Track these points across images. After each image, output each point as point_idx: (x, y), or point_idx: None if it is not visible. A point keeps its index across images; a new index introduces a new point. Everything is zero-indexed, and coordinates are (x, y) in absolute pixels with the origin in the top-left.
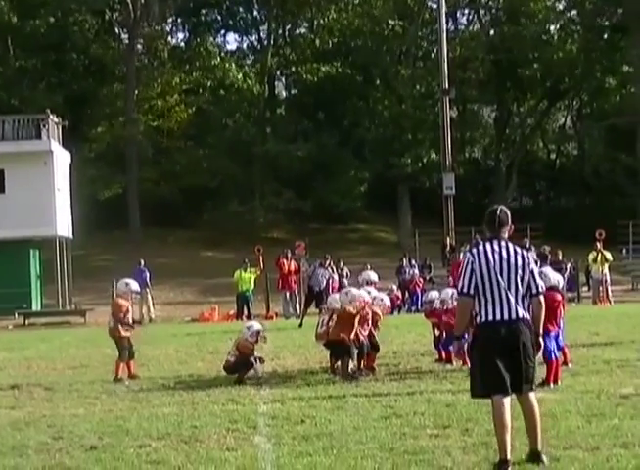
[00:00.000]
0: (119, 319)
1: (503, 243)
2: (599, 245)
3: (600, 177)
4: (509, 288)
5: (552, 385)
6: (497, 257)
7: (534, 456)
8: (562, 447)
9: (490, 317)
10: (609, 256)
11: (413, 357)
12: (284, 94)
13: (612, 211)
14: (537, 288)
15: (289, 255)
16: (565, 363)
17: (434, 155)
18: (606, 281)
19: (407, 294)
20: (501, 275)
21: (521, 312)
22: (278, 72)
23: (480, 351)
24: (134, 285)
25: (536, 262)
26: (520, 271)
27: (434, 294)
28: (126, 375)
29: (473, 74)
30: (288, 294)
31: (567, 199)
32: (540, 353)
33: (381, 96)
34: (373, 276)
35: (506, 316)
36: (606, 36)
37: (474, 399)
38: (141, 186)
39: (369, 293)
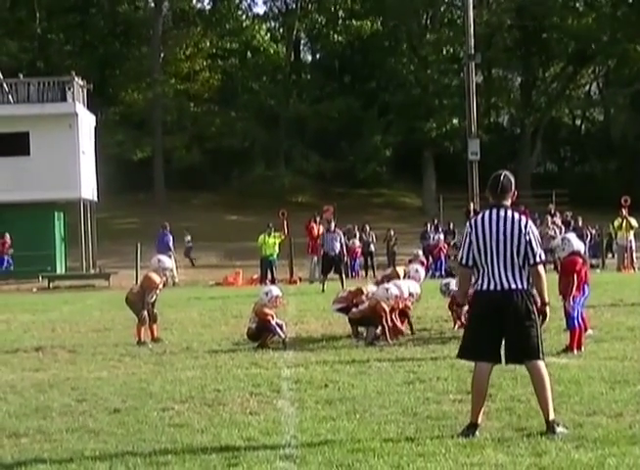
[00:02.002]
0: (145, 293)
1: (502, 212)
2: (624, 211)
3: (625, 143)
4: (504, 259)
5: (576, 351)
6: (494, 227)
7: (547, 426)
8: (585, 414)
9: (485, 287)
10: (634, 222)
11: (437, 323)
12: (309, 58)
13: (637, 177)
14: (535, 258)
15: (318, 219)
16: (585, 329)
17: (458, 120)
18: (631, 248)
19: (431, 259)
20: (497, 247)
21: (514, 284)
22: (304, 36)
23: (472, 318)
24: (167, 262)
25: (561, 229)
26: (516, 241)
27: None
28: (149, 338)
29: (499, 40)
30: (316, 258)
31: (592, 165)
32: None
33: (407, 60)
34: (421, 272)
35: (499, 287)
36: (632, 2)
37: (457, 359)
38: (166, 149)
39: (408, 288)
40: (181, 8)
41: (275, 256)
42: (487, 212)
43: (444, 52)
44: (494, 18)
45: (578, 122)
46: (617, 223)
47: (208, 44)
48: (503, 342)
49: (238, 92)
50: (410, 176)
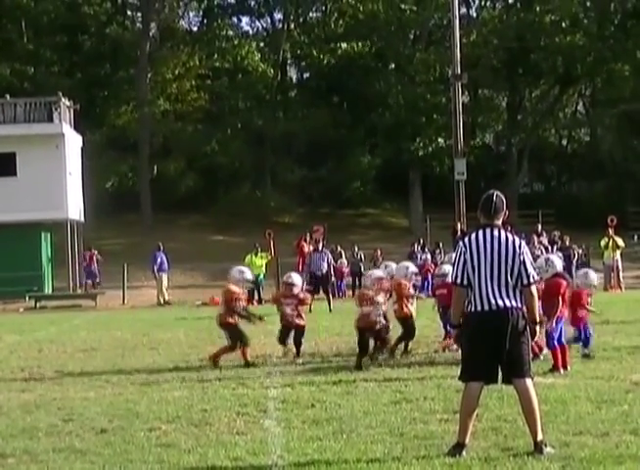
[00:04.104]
0: (231, 307)
1: (496, 232)
2: (611, 231)
3: (612, 163)
4: (499, 279)
5: (562, 371)
6: (489, 247)
7: (535, 447)
8: (571, 433)
9: (479, 308)
10: (620, 242)
11: (423, 342)
12: (297, 77)
13: (623, 197)
14: (528, 278)
15: (308, 238)
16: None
17: (445, 140)
18: (617, 267)
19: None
20: (491, 266)
21: (509, 303)
22: (290, 56)
23: (467, 339)
24: (248, 274)
25: (547, 249)
26: (510, 262)
27: (446, 267)
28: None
29: (485, 60)
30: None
31: (578, 185)
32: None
33: (394, 80)
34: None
35: (494, 307)
36: (618, 23)
37: (461, 382)
38: (153, 170)
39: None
40: (169, 28)
41: (262, 276)
42: (481, 232)
43: (431, 72)
44: (481, 38)
45: (565, 142)
46: (603, 243)
47: (197, 64)
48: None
49: (225, 112)
50: (397, 196)
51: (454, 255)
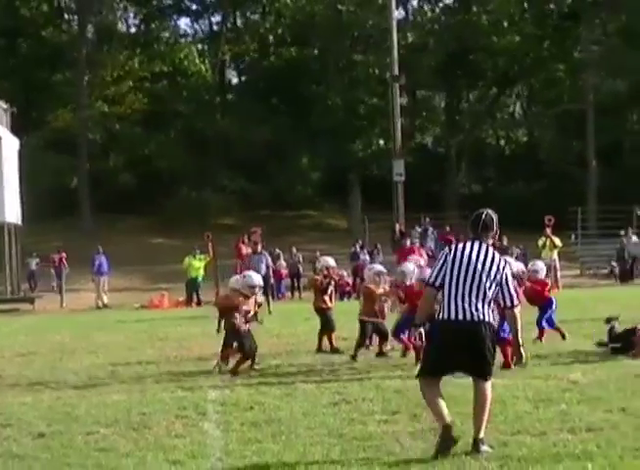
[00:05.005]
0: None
1: (483, 247)
2: (548, 231)
3: (550, 164)
4: (476, 292)
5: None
6: (473, 258)
7: (474, 443)
8: (509, 433)
9: (452, 316)
10: (558, 241)
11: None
12: (237, 80)
13: (561, 197)
14: (512, 300)
15: (246, 240)
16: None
17: (384, 142)
18: (555, 267)
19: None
20: (470, 278)
21: (484, 316)
22: (229, 58)
23: (435, 345)
24: (255, 279)
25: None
26: (492, 276)
27: (410, 266)
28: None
29: (424, 61)
30: None
31: (517, 185)
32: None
33: (333, 82)
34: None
35: (468, 317)
36: (556, 24)
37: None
38: (92, 173)
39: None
40: (107, 30)
41: (201, 278)
42: (469, 243)
43: (371, 74)
44: (419, 39)
45: (503, 143)
46: (540, 243)
47: (137, 66)
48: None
49: (165, 115)
50: (336, 198)
51: (437, 262)
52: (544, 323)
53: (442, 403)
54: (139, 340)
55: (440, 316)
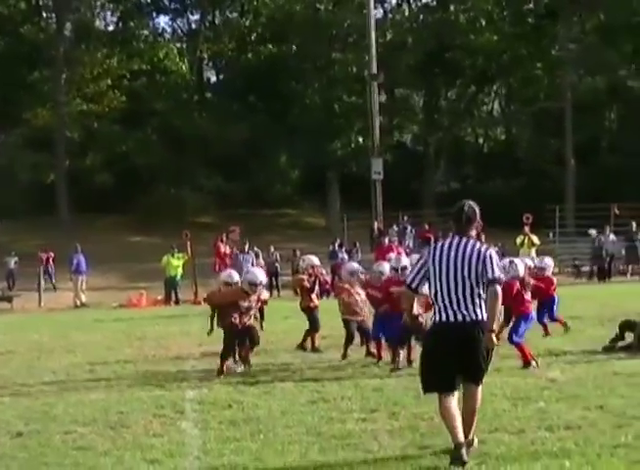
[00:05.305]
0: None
1: (463, 242)
2: (526, 228)
3: (528, 162)
4: (463, 290)
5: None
6: (455, 256)
7: (467, 445)
8: (488, 431)
9: (444, 319)
10: (536, 239)
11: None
12: (215, 79)
13: (539, 195)
14: (490, 274)
15: (224, 239)
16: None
17: (363, 140)
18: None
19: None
20: (455, 277)
21: (475, 315)
22: (207, 57)
23: (427, 349)
24: (235, 276)
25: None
26: (475, 273)
27: (387, 267)
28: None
29: (402, 60)
30: None
31: (495, 183)
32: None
33: (312, 80)
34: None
35: (460, 318)
36: (533, 22)
37: (425, 393)
38: (70, 171)
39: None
40: (85, 28)
41: (179, 276)
42: (448, 240)
43: (349, 72)
44: (397, 37)
45: (481, 141)
46: (519, 240)
47: (115, 64)
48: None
49: (144, 113)
50: (315, 196)
51: (417, 262)
52: (545, 319)
53: (457, 423)
54: (117, 339)
55: (432, 320)
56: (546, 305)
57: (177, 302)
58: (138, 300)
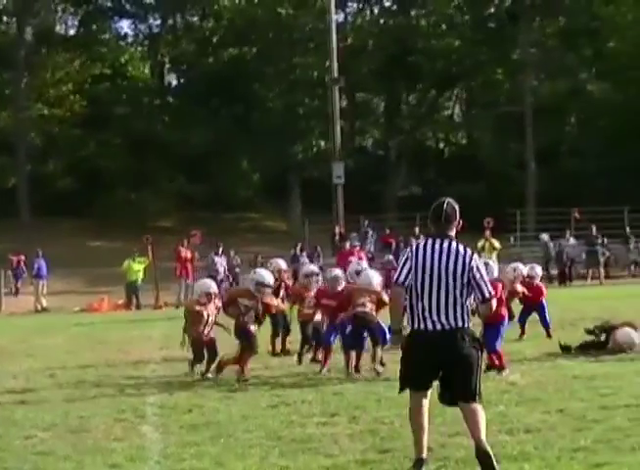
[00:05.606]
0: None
1: (446, 244)
2: (487, 233)
3: (489, 166)
4: (446, 297)
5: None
6: (437, 260)
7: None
8: (448, 434)
9: (422, 326)
10: (497, 244)
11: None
12: (176, 82)
13: (501, 199)
14: (483, 295)
15: (186, 243)
16: None
17: (325, 144)
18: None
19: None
20: (438, 282)
21: (456, 322)
22: (169, 60)
23: (406, 355)
24: (207, 286)
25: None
26: (459, 278)
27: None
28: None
29: (363, 64)
30: (187, 281)
31: (457, 187)
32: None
33: (273, 84)
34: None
35: (438, 326)
36: (494, 26)
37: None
38: (31, 175)
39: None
40: (46, 32)
41: (140, 281)
42: (430, 242)
43: (310, 76)
44: (358, 42)
45: (442, 145)
46: (480, 245)
47: (77, 68)
48: (440, 379)
49: (105, 117)
50: (277, 200)
51: (400, 261)
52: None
53: (423, 435)
54: (78, 343)
55: (410, 328)
56: (532, 311)
57: (138, 306)
58: (99, 304)
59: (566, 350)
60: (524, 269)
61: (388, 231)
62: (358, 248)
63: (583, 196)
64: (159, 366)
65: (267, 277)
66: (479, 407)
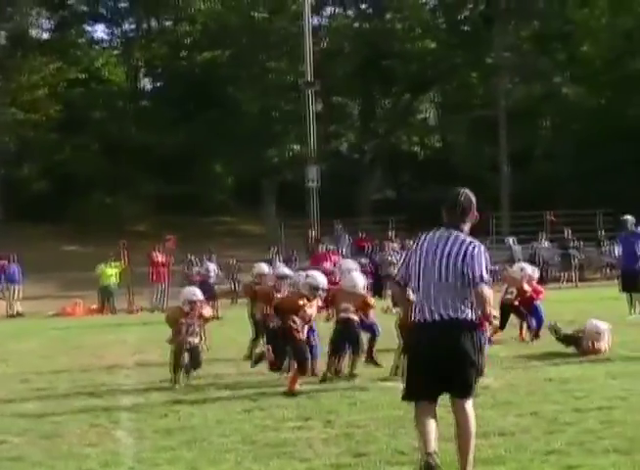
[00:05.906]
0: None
1: (453, 236)
2: None
3: (463, 169)
4: (447, 285)
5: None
6: (440, 248)
7: None
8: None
9: (422, 318)
10: None
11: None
12: (151, 86)
13: (475, 202)
14: (471, 275)
15: (161, 248)
16: None
17: (299, 147)
18: None
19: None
20: (439, 272)
21: (457, 313)
22: (143, 64)
23: (409, 353)
24: (190, 293)
25: (399, 254)
26: (460, 266)
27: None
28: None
29: (338, 67)
30: (162, 286)
31: (431, 191)
32: None
33: (248, 88)
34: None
35: (437, 317)
36: (469, 30)
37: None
38: (5, 179)
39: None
40: (20, 36)
41: (114, 285)
42: (438, 232)
43: (285, 79)
44: (333, 45)
45: (417, 149)
46: None
47: (51, 72)
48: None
49: (80, 121)
50: (252, 204)
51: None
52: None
53: (432, 436)
54: (52, 348)
55: (412, 320)
56: (526, 311)
57: (113, 311)
58: (73, 308)
59: (556, 333)
60: (529, 269)
61: (361, 235)
62: (332, 251)
63: (557, 199)
64: (133, 371)
65: (321, 280)
66: (470, 407)
